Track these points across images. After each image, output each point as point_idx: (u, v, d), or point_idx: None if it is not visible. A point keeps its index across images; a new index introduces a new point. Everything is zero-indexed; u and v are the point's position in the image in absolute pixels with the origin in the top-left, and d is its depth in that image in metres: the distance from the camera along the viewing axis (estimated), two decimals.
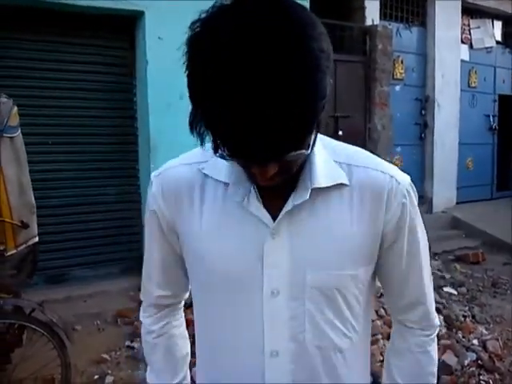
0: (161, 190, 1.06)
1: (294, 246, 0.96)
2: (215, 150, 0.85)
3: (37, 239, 3.01)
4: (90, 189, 5.12)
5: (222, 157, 0.85)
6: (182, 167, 1.06)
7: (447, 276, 5.59)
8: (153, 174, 1.09)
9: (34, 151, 4.08)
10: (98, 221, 5.16)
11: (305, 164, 0.95)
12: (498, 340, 4.08)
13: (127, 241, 5.38)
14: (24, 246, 2.93)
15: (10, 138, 2.88)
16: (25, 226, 2.89)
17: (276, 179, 0.87)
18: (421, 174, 8.15)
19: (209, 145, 0.94)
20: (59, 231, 4.90)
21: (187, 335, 1.24)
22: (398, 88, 7.76)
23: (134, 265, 5.35)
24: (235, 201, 0.97)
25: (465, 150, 8.63)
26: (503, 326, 4.56)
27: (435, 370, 1.17)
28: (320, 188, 0.96)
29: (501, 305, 5.13)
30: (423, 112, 8.13)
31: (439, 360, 3.63)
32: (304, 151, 0.84)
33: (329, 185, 0.97)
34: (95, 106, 5.05)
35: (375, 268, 1.06)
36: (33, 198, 2.99)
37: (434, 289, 4.01)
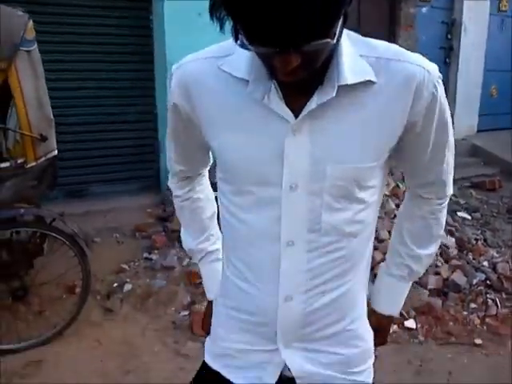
0: (180, 83, 1.06)
1: (315, 142, 0.96)
2: (235, 38, 0.83)
3: (56, 152, 3.07)
4: (108, 107, 5.11)
5: (241, 46, 0.82)
6: (201, 61, 1.04)
7: (462, 202, 5.60)
8: (173, 67, 1.10)
9: (51, 69, 4.05)
10: (117, 139, 5.18)
11: (330, 59, 0.91)
12: (508, 262, 4.14)
13: (145, 159, 5.43)
14: (43, 158, 3.00)
15: (27, 51, 2.86)
16: (43, 138, 2.94)
17: (298, 73, 0.84)
18: None
19: (227, 41, 0.93)
20: (78, 148, 4.94)
21: (213, 197, 1.32)
22: (424, 10, 7.44)
23: (151, 183, 5.45)
24: (255, 98, 0.96)
25: (490, 77, 8.37)
26: None
27: (442, 232, 1.26)
28: (347, 85, 0.93)
29: None
30: (449, 36, 7.83)
31: (448, 279, 3.73)
32: (329, 40, 0.80)
33: (356, 81, 0.93)
34: (112, 23, 4.95)
35: (397, 156, 1.08)
36: (51, 112, 3.02)
37: (448, 213, 4.03)
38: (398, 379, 2.88)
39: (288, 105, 0.95)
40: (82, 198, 5.07)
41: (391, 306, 1.28)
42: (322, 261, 1.03)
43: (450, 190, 1.21)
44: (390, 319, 1.30)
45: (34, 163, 2.95)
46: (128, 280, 3.72)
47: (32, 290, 3.12)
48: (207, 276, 1.33)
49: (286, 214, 1.00)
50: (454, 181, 4.69)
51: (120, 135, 5.22)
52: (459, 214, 5.08)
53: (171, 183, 1.31)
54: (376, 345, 1.23)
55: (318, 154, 0.96)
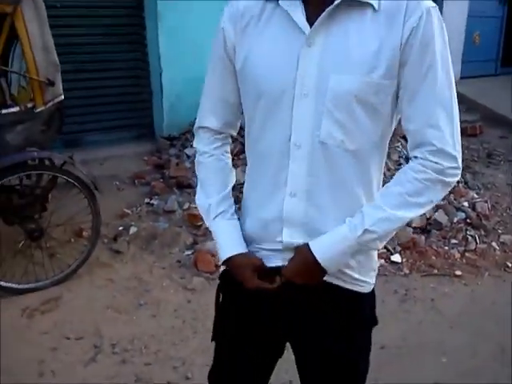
0: (229, 14, 1.22)
1: (324, 54, 1.11)
2: None
3: (63, 97, 3.19)
4: (101, 54, 5.17)
5: None
6: None
7: None
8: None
9: None
10: (111, 87, 5.27)
11: None
12: (486, 202, 4.43)
13: (139, 108, 5.53)
14: (51, 103, 3.11)
15: None
16: (51, 83, 3.05)
17: None
18: None
19: None
20: (72, 97, 4.94)
21: (233, 170, 1.41)
22: None
23: (146, 131, 5.58)
24: (283, 11, 1.13)
25: (473, 23, 8.45)
26: (493, 192, 4.90)
27: (422, 202, 1.13)
28: (357, 1, 1.08)
29: (493, 174, 5.45)
30: None
31: (431, 218, 4.00)
32: None
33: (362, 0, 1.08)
34: None
35: (398, 95, 1.14)
36: (56, 57, 3.11)
37: None
38: (385, 307, 3.17)
39: (308, 20, 1.12)
40: (79, 146, 5.16)
41: (322, 250, 1.17)
42: (321, 165, 1.16)
43: (454, 158, 1.12)
44: (307, 255, 1.18)
45: (42, 108, 3.06)
46: (132, 223, 3.92)
47: (47, 232, 3.30)
48: (227, 230, 1.31)
49: (297, 120, 1.14)
50: None
51: (113, 83, 5.30)
52: None
53: (198, 143, 1.37)
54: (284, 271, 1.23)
55: (325, 64, 1.10)
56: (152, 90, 5.47)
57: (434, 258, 3.68)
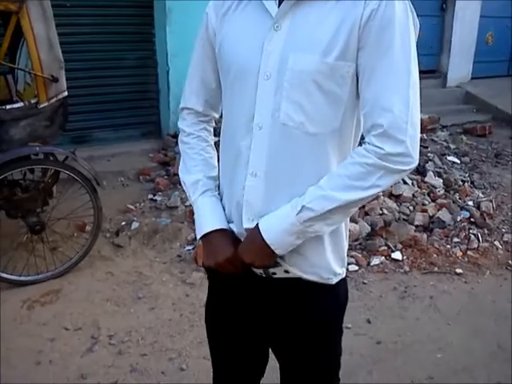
0: (213, 1, 1.28)
1: (288, 36, 1.14)
2: None
3: (66, 93, 3.23)
4: (107, 53, 5.23)
5: None
6: None
7: (452, 146, 5.80)
8: None
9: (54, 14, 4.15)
10: (118, 85, 5.33)
11: None
12: (491, 202, 4.40)
13: (147, 106, 5.59)
14: (55, 99, 3.16)
15: None
16: (55, 79, 3.09)
17: None
18: (438, 46, 8.05)
19: None
20: (80, 94, 5.03)
21: (216, 153, 1.44)
22: None
23: (152, 129, 5.63)
24: (254, 4, 1.17)
25: (485, 24, 8.41)
26: (500, 192, 4.87)
27: (364, 186, 1.11)
28: None
29: (501, 173, 5.41)
30: None
31: (434, 216, 3.99)
32: None
33: None
34: None
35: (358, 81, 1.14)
36: (61, 54, 3.16)
37: (438, 156, 4.24)
38: (384, 303, 3.17)
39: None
40: (86, 143, 5.25)
41: (267, 227, 1.18)
42: (280, 146, 1.18)
43: (403, 143, 1.08)
44: (255, 234, 1.19)
45: (46, 103, 3.11)
46: (135, 219, 3.97)
47: (48, 226, 3.35)
48: (209, 207, 1.32)
49: (259, 101, 1.17)
50: (447, 127, 4.92)
51: (121, 81, 5.37)
52: (449, 158, 5.28)
53: (183, 124, 1.40)
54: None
55: (287, 46, 1.13)
56: (159, 88, 5.52)
57: (435, 255, 3.66)
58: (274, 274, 1.26)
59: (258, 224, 1.19)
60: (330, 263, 1.26)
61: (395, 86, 1.09)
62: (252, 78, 1.18)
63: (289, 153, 1.18)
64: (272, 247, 1.17)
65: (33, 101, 3.10)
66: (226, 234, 1.29)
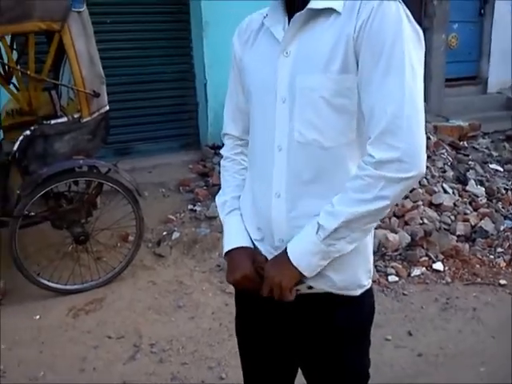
0: (240, 28, 1.36)
1: (295, 60, 1.18)
2: None
3: (107, 108, 3.34)
4: (146, 67, 5.35)
5: None
6: (256, 15, 1.33)
7: (495, 154, 5.68)
8: None
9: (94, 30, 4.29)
10: (157, 98, 5.43)
11: None
12: None
13: (186, 118, 5.69)
14: (97, 113, 3.27)
15: (78, 12, 3.10)
16: (96, 94, 3.20)
17: None
18: (477, 52, 7.90)
19: None
20: (120, 108, 5.13)
21: None
22: None
23: (192, 140, 5.72)
24: (268, 26, 1.24)
25: None
26: None
27: (367, 198, 1.10)
28: (316, 10, 1.14)
29: None
30: None
31: (476, 226, 3.91)
32: None
33: (321, 7, 1.14)
34: None
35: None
36: (101, 70, 3.27)
37: (479, 164, 4.17)
38: (425, 315, 3.13)
39: None
40: (128, 155, 5.36)
41: (293, 249, 1.19)
42: (298, 165, 1.21)
43: (393, 139, 1.07)
44: (282, 255, 1.21)
45: (88, 118, 3.22)
46: (175, 229, 4.04)
47: (92, 236, 3.45)
48: (235, 225, 1.36)
49: (278, 123, 1.22)
50: (488, 134, 4.83)
51: (160, 94, 5.47)
52: (491, 165, 5.18)
53: (223, 148, 1.49)
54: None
55: (294, 69, 1.18)
56: (197, 100, 5.61)
57: (478, 266, 3.60)
58: (298, 290, 1.25)
59: (286, 246, 1.21)
60: (356, 276, 1.26)
61: (388, 94, 1.08)
62: (271, 102, 1.22)
63: (307, 170, 1.20)
64: (299, 269, 1.18)
65: (76, 115, 3.21)
66: (246, 251, 1.31)
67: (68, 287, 3.29)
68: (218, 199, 1.44)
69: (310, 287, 1.25)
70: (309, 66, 1.16)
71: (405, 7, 1.12)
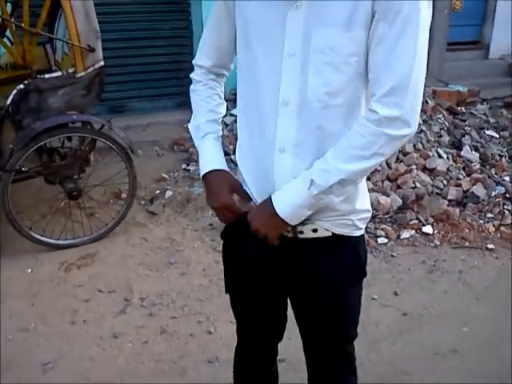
0: None
1: (308, 14, 1.14)
2: None
3: (102, 63, 3.29)
4: (143, 23, 5.25)
5: None
6: None
7: (492, 120, 5.64)
8: None
9: None
10: (153, 55, 5.35)
11: None
12: None
13: (182, 76, 5.60)
14: (91, 68, 3.22)
15: None
16: (91, 49, 3.15)
17: None
18: (481, 17, 7.76)
19: None
20: (115, 64, 5.00)
21: (224, 103, 1.48)
22: None
23: (188, 99, 5.60)
24: None
25: None
26: None
27: (365, 155, 1.13)
28: None
29: None
30: None
31: (468, 191, 3.94)
32: None
33: None
34: None
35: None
36: (97, 24, 3.20)
37: (475, 129, 4.17)
38: (412, 276, 3.18)
39: None
40: (122, 113, 5.33)
41: (280, 201, 1.22)
42: (308, 121, 1.20)
43: (395, 97, 1.10)
44: (268, 207, 1.22)
45: (83, 73, 3.18)
46: (169, 187, 4.06)
47: (84, 192, 3.47)
48: (210, 149, 1.38)
49: (285, 78, 1.19)
50: (487, 100, 4.79)
51: (157, 51, 5.37)
52: (487, 132, 5.16)
53: (195, 74, 1.46)
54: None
55: (308, 23, 1.14)
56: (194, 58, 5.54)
57: (466, 230, 3.63)
58: (302, 232, 1.28)
59: (270, 197, 1.23)
60: (357, 213, 1.30)
61: (402, 55, 1.09)
62: (276, 55, 1.19)
63: (317, 124, 1.20)
64: (286, 220, 1.21)
65: (70, 70, 3.17)
66: (223, 176, 1.34)
67: (60, 242, 3.32)
68: (191, 124, 1.44)
69: (314, 230, 1.28)
70: (326, 21, 1.12)
71: None
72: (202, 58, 1.44)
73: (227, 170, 1.36)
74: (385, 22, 1.09)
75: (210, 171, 1.35)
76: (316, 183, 1.16)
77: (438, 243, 3.51)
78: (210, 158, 1.38)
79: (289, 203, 1.20)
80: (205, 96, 1.43)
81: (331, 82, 1.16)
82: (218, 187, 1.33)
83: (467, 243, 3.51)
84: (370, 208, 1.36)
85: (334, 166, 1.15)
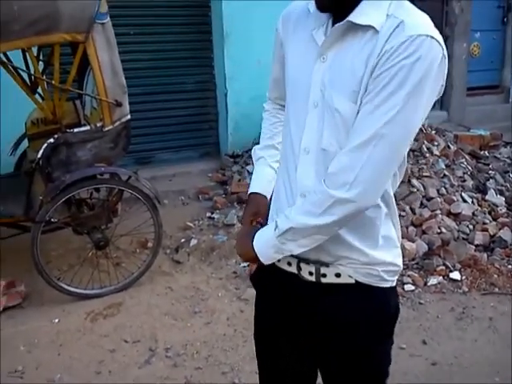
0: (282, 16, 1.37)
1: (328, 69, 1.18)
2: None
3: (129, 117, 3.42)
4: (168, 78, 5.48)
5: None
6: (300, 2, 1.32)
7: None
8: None
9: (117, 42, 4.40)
10: (178, 108, 5.55)
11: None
12: None
13: (206, 128, 5.77)
14: (119, 122, 3.35)
15: (102, 24, 3.20)
16: (118, 104, 3.29)
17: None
18: (500, 61, 7.83)
19: None
20: (142, 118, 5.19)
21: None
22: None
23: (211, 150, 5.80)
24: (310, 30, 1.24)
25: None
26: None
27: (314, 210, 1.17)
28: (356, 24, 1.13)
29: None
30: None
31: (495, 235, 3.87)
32: None
33: (362, 23, 1.12)
34: None
35: None
36: (124, 79, 3.35)
37: (500, 173, 4.13)
38: (441, 324, 3.11)
39: None
40: (149, 164, 5.49)
41: (257, 236, 1.30)
42: (323, 169, 1.22)
43: (340, 189, 1.13)
44: (248, 241, 1.31)
45: (110, 127, 3.31)
46: (194, 236, 4.10)
47: (111, 242, 3.53)
48: (258, 172, 1.54)
49: (308, 126, 1.25)
50: (510, 144, 4.74)
51: (181, 104, 5.58)
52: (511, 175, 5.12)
53: (266, 103, 1.60)
54: None
55: (326, 79, 1.19)
56: (218, 110, 5.69)
57: (495, 276, 3.56)
58: (324, 276, 1.28)
59: (258, 228, 1.33)
60: (381, 265, 1.29)
61: (367, 126, 1.11)
62: (304, 103, 1.25)
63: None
64: (257, 254, 1.29)
65: (98, 124, 3.30)
66: (257, 199, 1.48)
67: (87, 292, 3.36)
68: (254, 147, 1.59)
69: (338, 275, 1.28)
70: (339, 83, 1.17)
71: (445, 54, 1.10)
72: (269, 90, 1.58)
73: (266, 194, 1.49)
74: (374, 89, 1.10)
75: (251, 193, 1.51)
76: (278, 226, 1.23)
77: (466, 289, 3.44)
78: (255, 181, 1.53)
79: (261, 240, 1.29)
80: (268, 124, 1.57)
81: (340, 136, 1.19)
82: (246, 210, 1.49)
83: (496, 289, 3.43)
84: (397, 262, 1.34)
85: (292, 213, 1.22)
